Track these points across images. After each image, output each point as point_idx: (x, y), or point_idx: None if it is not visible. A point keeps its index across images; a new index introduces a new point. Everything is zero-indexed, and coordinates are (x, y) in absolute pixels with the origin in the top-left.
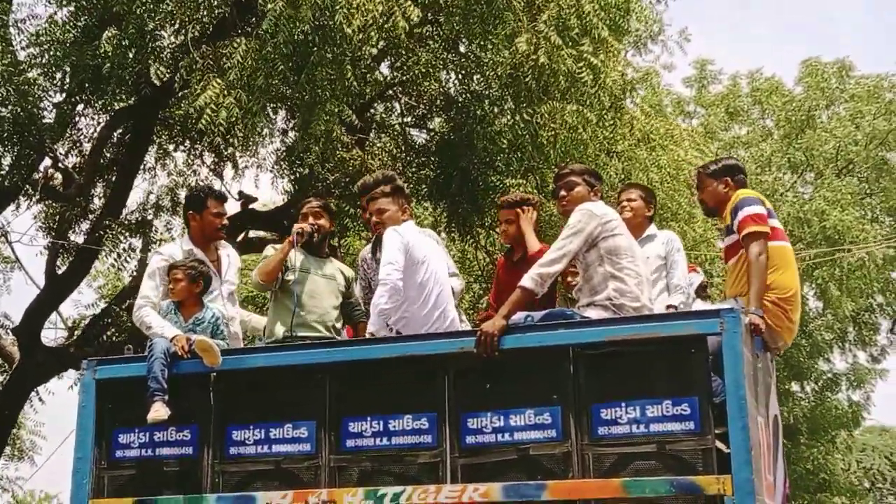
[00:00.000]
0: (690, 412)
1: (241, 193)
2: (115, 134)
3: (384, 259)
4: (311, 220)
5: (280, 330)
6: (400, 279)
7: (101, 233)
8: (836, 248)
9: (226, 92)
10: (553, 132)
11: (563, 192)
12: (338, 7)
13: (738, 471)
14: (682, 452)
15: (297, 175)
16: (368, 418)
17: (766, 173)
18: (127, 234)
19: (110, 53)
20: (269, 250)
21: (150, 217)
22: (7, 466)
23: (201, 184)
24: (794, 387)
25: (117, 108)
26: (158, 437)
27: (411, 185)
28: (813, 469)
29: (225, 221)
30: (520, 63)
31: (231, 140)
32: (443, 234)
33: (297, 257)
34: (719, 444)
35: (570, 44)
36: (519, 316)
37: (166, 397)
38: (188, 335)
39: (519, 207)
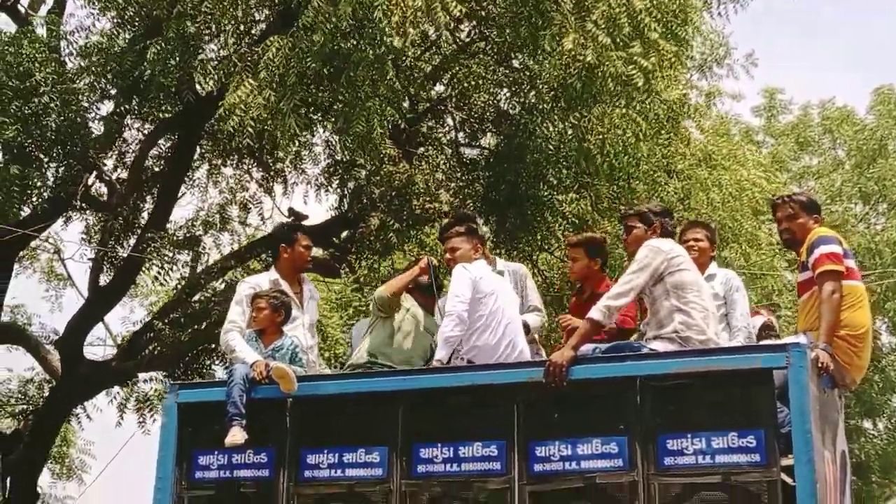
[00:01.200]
0: (756, 444)
1: (290, 210)
2: (161, 145)
3: (451, 292)
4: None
5: (364, 353)
6: (466, 310)
7: (145, 245)
8: None
9: (256, 91)
10: (601, 136)
11: (624, 235)
12: (376, 4)
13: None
14: (747, 484)
15: (345, 189)
16: (439, 444)
17: (836, 203)
18: (173, 248)
19: (153, 59)
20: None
21: (198, 233)
22: (54, 485)
23: (284, 219)
24: (866, 424)
25: (161, 118)
26: (236, 460)
27: (459, 200)
28: None
29: (312, 255)
30: (566, 65)
31: (276, 153)
32: (491, 252)
33: (410, 301)
34: (784, 477)
35: (621, 45)
36: (587, 347)
37: (244, 422)
38: (267, 361)
39: (583, 247)
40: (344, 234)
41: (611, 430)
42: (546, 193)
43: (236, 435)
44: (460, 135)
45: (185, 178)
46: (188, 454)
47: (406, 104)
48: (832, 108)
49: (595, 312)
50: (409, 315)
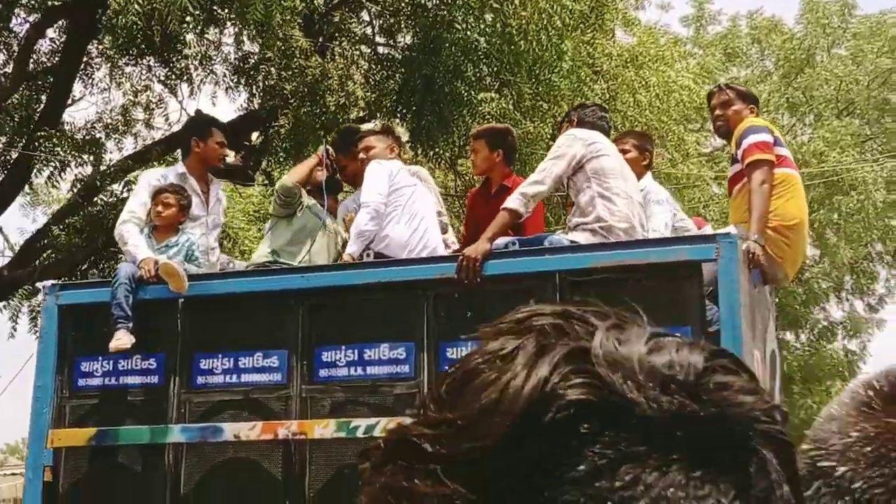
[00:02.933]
0: None
1: (198, 113)
2: (55, 40)
3: (366, 185)
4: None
5: (265, 251)
6: (383, 203)
7: (37, 144)
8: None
9: None
10: (524, 22)
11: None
12: None
13: None
14: None
15: (255, 87)
16: (342, 347)
17: (763, 114)
18: (70, 149)
19: None
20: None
21: (99, 136)
22: None
23: (202, 113)
24: (789, 336)
25: (49, 5)
26: (123, 366)
27: (375, 96)
28: (806, 419)
29: (226, 152)
30: None
31: (182, 50)
32: (413, 156)
33: (316, 204)
34: None
35: None
36: (503, 240)
37: (130, 325)
38: (157, 258)
39: (484, 138)
40: (254, 134)
41: None
42: (464, 90)
43: (121, 339)
44: (376, 28)
45: (83, 77)
46: (70, 360)
47: None
48: (760, 17)
49: (511, 201)
50: (311, 213)
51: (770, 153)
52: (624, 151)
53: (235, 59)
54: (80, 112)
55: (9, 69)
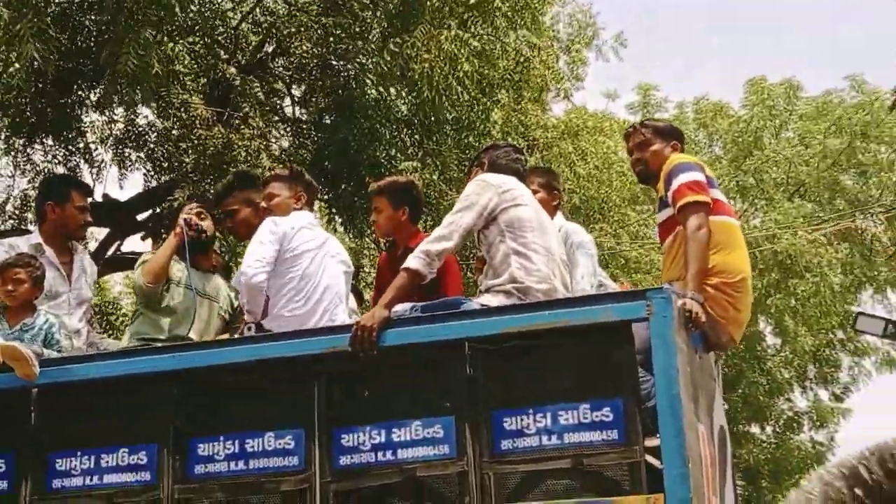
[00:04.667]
0: (613, 418)
1: (105, 198)
2: None
3: (248, 249)
4: (193, 222)
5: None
6: (263, 275)
7: None
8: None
9: None
10: (428, 64)
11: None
12: None
13: (673, 489)
14: (603, 468)
15: (144, 161)
16: (221, 438)
17: None
18: None
19: None
20: (148, 256)
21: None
22: None
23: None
24: (755, 429)
25: None
26: None
27: (284, 165)
28: None
29: (89, 219)
30: None
31: (71, 125)
32: (328, 227)
33: (179, 269)
34: (650, 459)
35: None
36: (403, 307)
37: None
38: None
39: (385, 195)
40: (147, 213)
41: (435, 410)
42: (383, 155)
43: None
44: (285, 92)
45: None
46: None
47: (222, 55)
48: (706, 102)
49: (412, 261)
50: (181, 288)
51: (704, 194)
52: (532, 192)
53: (131, 132)
54: None
55: None
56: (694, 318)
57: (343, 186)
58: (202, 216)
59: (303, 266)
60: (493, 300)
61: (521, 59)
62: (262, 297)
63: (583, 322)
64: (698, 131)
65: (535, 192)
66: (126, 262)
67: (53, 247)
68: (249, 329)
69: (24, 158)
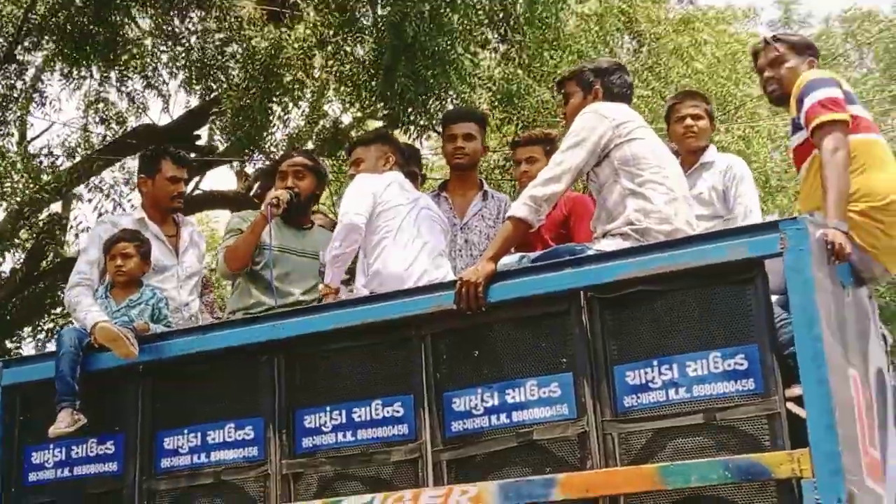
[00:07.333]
0: (748, 366)
1: (146, 127)
2: None
3: (342, 203)
4: (290, 181)
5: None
6: (361, 222)
7: None
8: None
9: None
10: None
11: (563, 107)
12: None
13: (819, 442)
14: (738, 422)
15: (191, 70)
16: (328, 408)
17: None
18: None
19: None
20: (235, 221)
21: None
22: None
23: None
24: None
25: None
26: (76, 453)
27: (338, 65)
28: None
29: (182, 189)
30: None
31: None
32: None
33: (271, 231)
34: (792, 407)
35: None
36: (511, 258)
37: (77, 403)
38: (104, 322)
39: (543, 145)
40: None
41: (551, 367)
42: (446, 44)
43: (63, 421)
44: None
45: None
46: (18, 451)
47: None
48: (856, 11)
49: (517, 208)
50: (277, 252)
51: (842, 111)
52: (695, 117)
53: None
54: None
55: None
56: (837, 250)
57: (398, 79)
58: (300, 175)
59: (398, 219)
60: (609, 245)
61: None
62: (359, 238)
63: (708, 261)
64: (845, 44)
65: (698, 117)
66: (209, 201)
67: (156, 221)
68: (351, 291)
69: (75, 86)
